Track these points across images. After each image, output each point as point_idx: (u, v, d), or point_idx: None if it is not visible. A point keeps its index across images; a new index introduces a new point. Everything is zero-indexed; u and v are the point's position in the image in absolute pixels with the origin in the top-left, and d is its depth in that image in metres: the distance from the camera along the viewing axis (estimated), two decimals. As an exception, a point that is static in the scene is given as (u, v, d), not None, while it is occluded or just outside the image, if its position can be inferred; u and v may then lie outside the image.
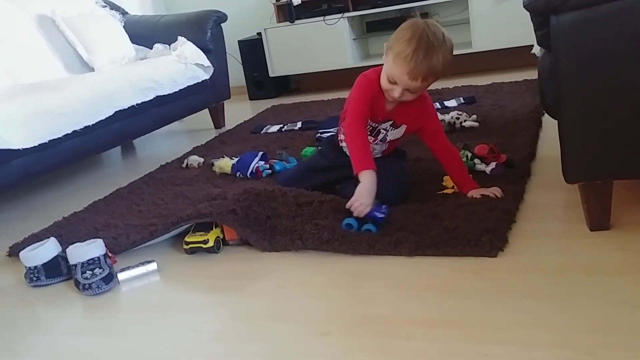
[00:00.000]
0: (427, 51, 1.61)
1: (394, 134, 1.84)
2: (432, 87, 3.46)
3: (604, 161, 1.37)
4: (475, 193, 1.73)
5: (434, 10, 4.13)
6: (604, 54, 1.28)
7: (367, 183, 1.64)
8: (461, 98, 3.04)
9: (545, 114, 2.05)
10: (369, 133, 1.83)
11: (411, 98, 1.72)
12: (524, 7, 1.34)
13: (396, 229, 1.58)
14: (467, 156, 1.96)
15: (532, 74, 2.72)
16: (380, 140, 1.86)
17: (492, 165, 1.90)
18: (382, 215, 1.61)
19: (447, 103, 3.00)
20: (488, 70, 3.95)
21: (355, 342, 1.18)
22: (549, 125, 2.34)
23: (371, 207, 1.61)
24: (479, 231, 1.50)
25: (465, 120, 2.52)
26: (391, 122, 1.82)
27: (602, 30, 1.27)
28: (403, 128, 1.83)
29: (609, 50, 1.28)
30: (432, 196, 1.79)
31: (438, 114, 2.54)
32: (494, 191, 1.72)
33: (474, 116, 2.59)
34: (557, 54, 1.32)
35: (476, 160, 1.95)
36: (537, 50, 1.80)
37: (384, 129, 1.83)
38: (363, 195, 1.62)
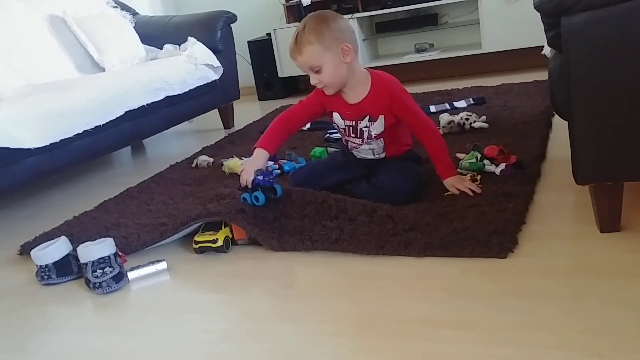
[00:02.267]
0: (295, 30, 1.76)
1: (377, 127, 1.85)
2: (442, 87, 3.51)
3: (615, 162, 1.36)
4: (452, 186, 1.78)
5: (444, 11, 4.12)
6: (615, 55, 1.28)
7: (253, 156, 1.86)
8: (471, 99, 3.04)
9: (556, 115, 2.04)
10: (352, 134, 1.88)
11: (327, 80, 1.77)
12: (535, 8, 1.34)
13: (406, 229, 1.58)
14: (476, 157, 1.96)
15: (542, 75, 2.70)
16: (368, 139, 1.87)
17: (502, 166, 1.90)
18: (260, 178, 1.74)
19: (456, 104, 3.00)
20: (498, 71, 3.93)
21: (364, 342, 1.18)
22: (559, 127, 2.33)
23: (253, 175, 1.76)
24: (489, 232, 1.49)
25: (474, 121, 2.52)
26: (367, 117, 1.84)
27: (613, 31, 1.26)
28: (381, 119, 1.83)
29: (620, 51, 1.27)
30: (441, 196, 1.79)
31: (447, 114, 2.57)
32: (470, 186, 1.76)
33: (484, 117, 2.59)
34: (568, 55, 1.32)
35: (486, 161, 1.94)
36: (547, 51, 1.80)
37: (365, 127, 1.85)
38: (246, 165, 1.82)
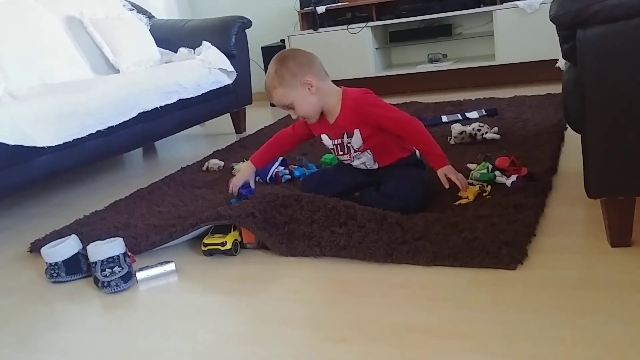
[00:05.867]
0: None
1: (356, 142, 1.91)
2: (454, 98, 3.51)
3: (628, 177, 1.35)
4: (443, 175, 1.78)
5: (458, 22, 4.12)
6: (630, 69, 1.27)
7: (243, 168, 2.10)
8: (483, 110, 3.03)
9: (568, 128, 2.04)
10: (341, 152, 1.96)
11: (302, 113, 1.89)
12: (551, 19, 1.33)
13: (415, 237, 1.58)
14: (488, 168, 1.95)
15: (556, 88, 2.70)
16: (355, 152, 1.94)
17: (513, 178, 1.89)
18: (245, 192, 2.02)
19: (468, 114, 2.99)
20: (511, 83, 3.92)
21: (371, 349, 1.18)
22: (572, 140, 2.32)
23: (239, 186, 2.05)
24: (499, 243, 1.49)
25: (486, 132, 2.51)
26: (345, 133, 1.90)
27: (629, 45, 1.26)
28: (357, 133, 1.89)
29: (635, 64, 1.27)
30: (451, 206, 1.79)
31: (459, 125, 2.57)
32: (461, 180, 1.79)
33: (496, 128, 2.58)
34: (583, 68, 1.32)
35: (497, 173, 1.94)
36: (561, 63, 1.80)
37: (348, 143, 1.92)
38: (235, 177, 2.09)
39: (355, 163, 1.97)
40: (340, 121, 1.89)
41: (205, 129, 3.81)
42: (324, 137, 1.97)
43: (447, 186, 1.79)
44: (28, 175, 2.25)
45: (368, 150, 1.92)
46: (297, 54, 1.89)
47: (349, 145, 1.92)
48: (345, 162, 2.00)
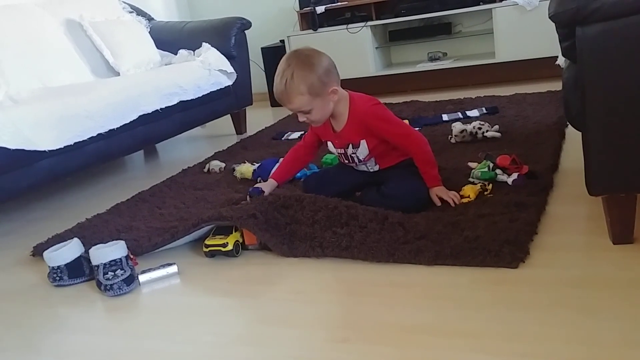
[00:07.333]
0: (276, 78, 1.78)
1: (361, 152, 1.91)
2: (454, 96, 3.51)
3: (629, 174, 1.35)
4: (435, 195, 1.81)
5: (458, 20, 4.12)
6: (629, 66, 1.27)
7: (265, 183, 2.04)
8: (483, 108, 3.03)
9: (569, 126, 2.04)
10: (346, 160, 1.97)
11: (315, 118, 1.83)
12: (550, 17, 1.33)
13: (417, 237, 1.58)
14: (488, 166, 1.95)
15: (556, 85, 2.70)
16: (359, 162, 1.95)
17: (514, 176, 1.89)
18: (253, 190, 1.99)
19: (469, 113, 2.99)
20: (511, 81, 3.92)
21: (374, 349, 1.18)
22: (573, 137, 2.32)
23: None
24: (500, 242, 1.49)
25: (487, 131, 2.51)
26: (350, 144, 1.90)
27: (629, 42, 1.26)
28: (363, 143, 1.89)
29: (634, 62, 1.27)
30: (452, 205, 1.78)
31: (460, 123, 2.57)
32: (453, 197, 1.78)
33: (497, 126, 2.58)
34: (583, 66, 1.32)
35: (498, 171, 1.94)
36: (561, 61, 1.79)
37: (353, 153, 1.92)
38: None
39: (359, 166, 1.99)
40: (346, 132, 1.89)
41: (205, 131, 3.82)
42: (330, 144, 1.98)
43: (438, 204, 1.80)
44: (29, 179, 2.26)
45: (372, 158, 1.93)
46: (321, 59, 1.79)
47: (352, 155, 1.93)
48: (349, 166, 2.02)
